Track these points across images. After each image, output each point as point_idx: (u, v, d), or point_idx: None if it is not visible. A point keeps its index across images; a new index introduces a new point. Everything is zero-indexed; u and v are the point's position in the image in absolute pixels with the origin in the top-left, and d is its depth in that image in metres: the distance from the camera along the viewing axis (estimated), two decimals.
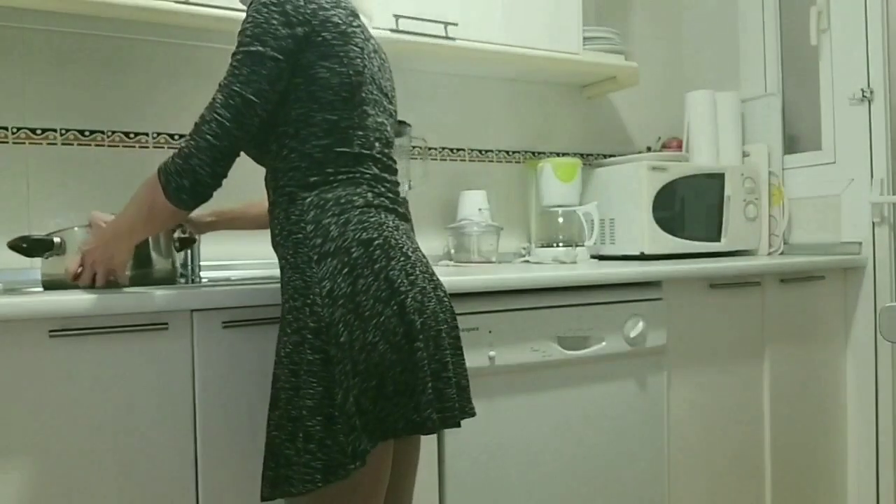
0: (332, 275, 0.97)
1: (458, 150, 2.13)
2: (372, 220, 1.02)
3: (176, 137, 1.74)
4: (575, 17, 1.97)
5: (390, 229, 1.04)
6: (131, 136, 1.69)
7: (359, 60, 1.05)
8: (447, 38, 1.76)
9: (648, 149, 2.38)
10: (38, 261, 1.26)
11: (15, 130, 1.58)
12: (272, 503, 1.16)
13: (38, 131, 1.60)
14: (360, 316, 0.97)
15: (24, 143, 1.59)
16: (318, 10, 1.01)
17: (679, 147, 2.24)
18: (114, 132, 1.68)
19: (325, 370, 0.95)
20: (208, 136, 0.97)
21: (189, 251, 1.51)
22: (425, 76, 2.05)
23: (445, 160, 2.10)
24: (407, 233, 1.09)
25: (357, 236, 1.00)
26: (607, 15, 2.39)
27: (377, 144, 1.08)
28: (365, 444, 0.97)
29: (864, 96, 1.94)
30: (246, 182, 1.38)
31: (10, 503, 1.03)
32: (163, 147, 1.72)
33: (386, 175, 1.09)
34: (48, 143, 1.61)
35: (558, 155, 2.28)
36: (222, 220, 1.39)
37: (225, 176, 1.01)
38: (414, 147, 2.02)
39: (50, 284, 1.22)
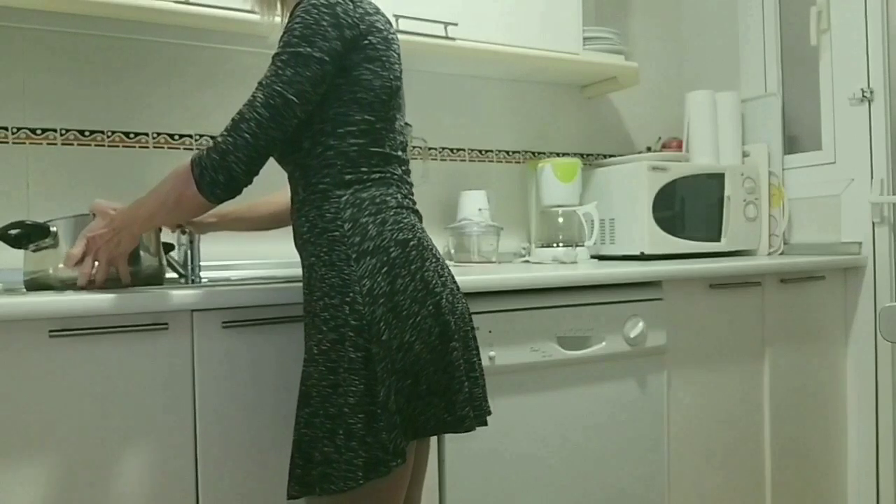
0: (372, 273, 0.99)
1: (458, 150, 2.13)
2: (405, 220, 1.05)
3: (176, 137, 1.74)
4: (575, 17, 1.97)
5: (420, 231, 1.07)
6: (131, 136, 1.69)
7: (397, 66, 1.09)
8: (447, 38, 1.76)
9: (648, 149, 2.38)
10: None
11: (15, 130, 1.58)
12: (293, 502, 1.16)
13: (38, 131, 1.60)
14: (398, 315, 0.99)
15: (24, 143, 1.59)
16: (364, 15, 1.04)
17: (679, 147, 2.24)
18: (114, 132, 1.68)
19: (366, 368, 0.96)
20: (246, 135, 0.97)
21: (189, 251, 1.51)
22: (425, 76, 2.05)
23: (445, 160, 2.10)
24: (428, 235, 1.11)
25: (394, 236, 1.02)
26: (607, 15, 2.39)
27: (401, 147, 1.11)
28: (403, 442, 0.99)
29: (864, 96, 1.94)
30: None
31: (9, 502, 1.03)
32: (163, 147, 1.72)
33: (406, 178, 1.12)
34: (48, 143, 1.61)
35: (558, 155, 2.28)
36: (224, 221, 1.40)
37: (258, 174, 1.01)
38: (414, 147, 2.02)
39: (33, 283, 1.19)
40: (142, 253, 1.25)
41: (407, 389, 1.00)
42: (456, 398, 1.03)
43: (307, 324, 1.03)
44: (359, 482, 0.94)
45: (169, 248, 1.46)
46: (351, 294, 0.98)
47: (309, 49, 0.98)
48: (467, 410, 1.04)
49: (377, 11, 1.08)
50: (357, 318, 0.97)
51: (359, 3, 1.04)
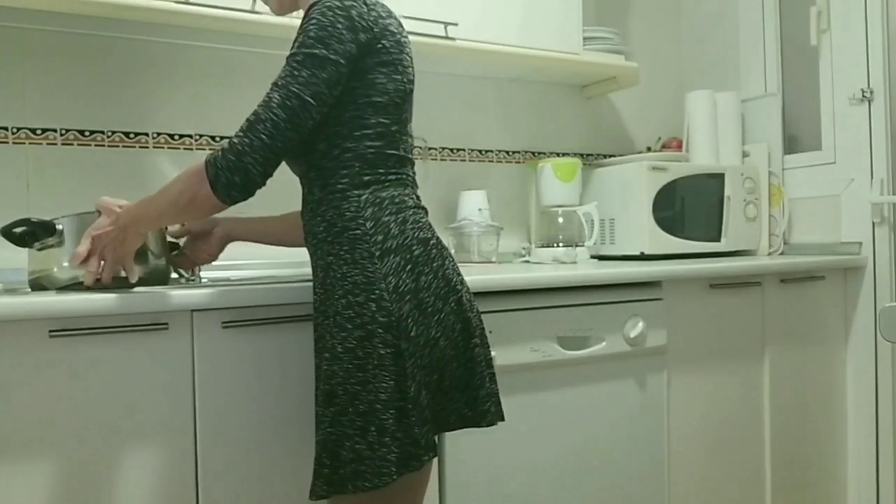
0: (396, 271, 1.01)
1: (458, 150, 2.13)
2: (423, 220, 1.08)
3: (176, 137, 1.74)
4: (575, 17, 1.97)
5: (435, 231, 1.10)
6: (131, 136, 1.69)
7: (410, 70, 1.10)
8: (447, 38, 1.76)
9: (648, 149, 2.38)
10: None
11: (15, 130, 1.58)
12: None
13: (38, 131, 1.60)
14: (424, 312, 1.01)
15: (24, 143, 1.59)
16: (378, 19, 1.04)
17: (679, 147, 2.24)
18: (114, 132, 1.68)
19: (396, 364, 0.98)
20: (262, 136, 0.97)
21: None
22: (425, 76, 2.05)
23: (445, 160, 2.10)
24: None
25: (416, 235, 1.05)
26: (607, 15, 2.39)
27: (412, 150, 1.13)
28: (433, 436, 1.02)
29: (864, 96, 1.94)
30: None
31: (9, 502, 1.03)
32: (163, 147, 1.72)
33: (416, 180, 1.15)
34: (48, 143, 1.61)
35: (558, 155, 2.28)
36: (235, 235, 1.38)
37: (272, 175, 1.01)
38: (414, 147, 2.02)
39: (37, 283, 1.17)
40: (148, 253, 1.25)
41: (433, 385, 1.02)
42: (478, 393, 1.06)
43: (324, 323, 1.03)
44: (392, 477, 0.95)
45: (174, 247, 1.45)
46: (377, 291, 0.99)
47: (325, 51, 0.98)
48: (489, 405, 1.07)
49: (390, 15, 1.09)
50: (385, 315, 0.98)
51: (373, 7, 1.04)
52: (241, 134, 0.98)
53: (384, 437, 0.96)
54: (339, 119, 1.03)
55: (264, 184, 1.01)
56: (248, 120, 0.99)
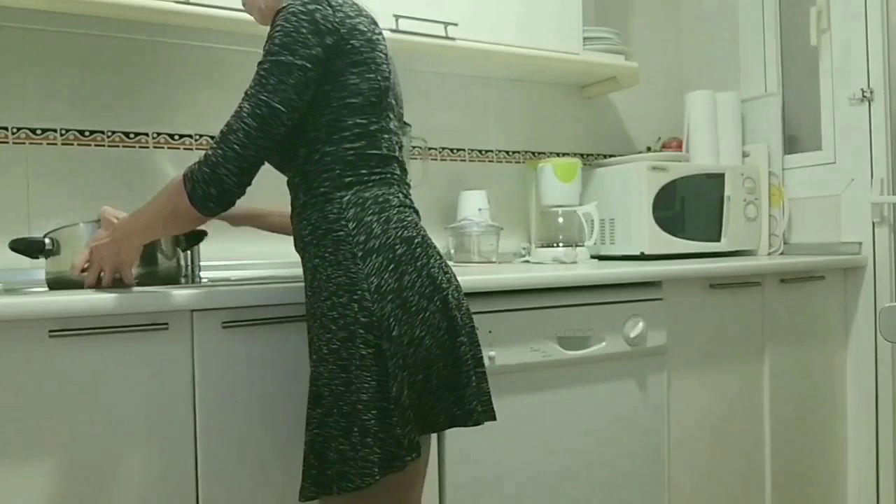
0: (379, 271, 1.00)
1: (458, 150, 2.13)
2: (408, 219, 1.07)
3: (176, 137, 1.74)
4: (575, 18, 1.97)
5: (423, 229, 1.09)
6: (131, 136, 1.69)
7: (385, 66, 1.09)
8: (447, 38, 1.76)
9: (648, 149, 2.39)
10: (39, 260, 1.26)
11: (15, 130, 1.58)
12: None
13: (38, 131, 1.60)
14: (408, 311, 1.00)
15: (24, 143, 1.59)
16: (345, 19, 1.04)
17: (679, 147, 2.24)
18: (114, 132, 1.68)
19: (377, 364, 0.97)
20: (235, 146, 0.98)
21: (189, 251, 1.51)
22: (425, 76, 2.05)
23: (445, 160, 2.10)
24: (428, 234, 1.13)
25: (399, 234, 1.04)
26: (607, 15, 2.39)
27: (397, 148, 1.12)
28: (417, 437, 1.01)
29: (864, 96, 1.94)
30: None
31: (9, 502, 1.03)
32: (163, 147, 1.72)
33: (404, 178, 1.13)
34: (48, 143, 1.61)
35: (558, 155, 2.28)
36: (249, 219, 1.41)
37: (250, 184, 1.01)
38: (414, 147, 2.02)
39: (54, 283, 1.23)
40: (158, 254, 1.27)
41: (419, 384, 1.01)
42: (464, 392, 1.05)
43: (312, 325, 1.04)
44: (375, 478, 0.95)
45: (195, 240, 1.43)
46: (359, 292, 0.99)
47: (290, 57, 0.99)
48: (475, 404, 1.06)
49: (359, 13, 1.07)
50: (367, 315, 0.98)
51: (338, 8, 1.04)
52: (214, 146, 0.99)
53: (367, 437, 0.95)
54: (316, 124, 1.03)
55: (242, 193, 1.01)
56: (221, 131, 1.00)
